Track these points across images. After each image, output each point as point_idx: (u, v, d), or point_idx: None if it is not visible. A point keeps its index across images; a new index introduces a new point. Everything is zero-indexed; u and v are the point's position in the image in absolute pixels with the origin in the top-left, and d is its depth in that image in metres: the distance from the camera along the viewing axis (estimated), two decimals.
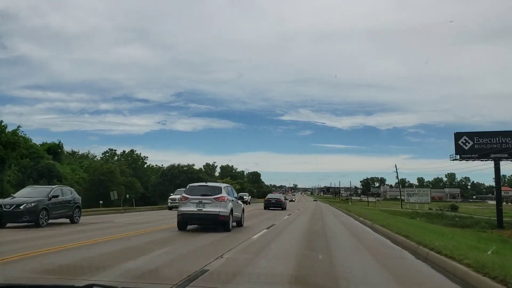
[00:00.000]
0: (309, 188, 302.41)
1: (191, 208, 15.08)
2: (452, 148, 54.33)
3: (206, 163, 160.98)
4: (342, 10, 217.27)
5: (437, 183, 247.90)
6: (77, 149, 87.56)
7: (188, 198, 15.32)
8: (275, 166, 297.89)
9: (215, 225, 15.49)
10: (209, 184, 17.15)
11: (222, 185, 16.88)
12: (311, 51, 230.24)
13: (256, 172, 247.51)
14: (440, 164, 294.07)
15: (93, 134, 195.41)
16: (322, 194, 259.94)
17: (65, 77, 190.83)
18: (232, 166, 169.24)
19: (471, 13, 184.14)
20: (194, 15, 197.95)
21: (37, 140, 55.50)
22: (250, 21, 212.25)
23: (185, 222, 15.58)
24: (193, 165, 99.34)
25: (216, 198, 15.15)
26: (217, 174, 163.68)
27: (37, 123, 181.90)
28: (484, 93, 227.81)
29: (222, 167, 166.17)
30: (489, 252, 9.26)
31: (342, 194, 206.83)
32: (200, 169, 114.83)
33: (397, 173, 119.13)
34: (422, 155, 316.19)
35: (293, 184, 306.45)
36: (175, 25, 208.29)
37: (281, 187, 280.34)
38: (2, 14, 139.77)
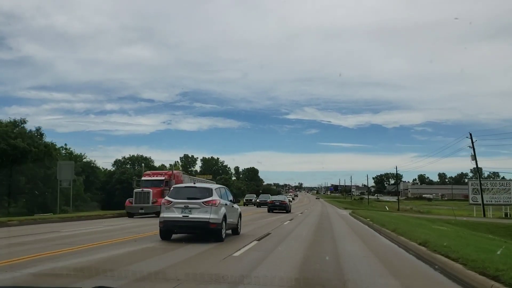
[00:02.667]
0: (315, 187, 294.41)
1: (175, 214, 12.73)
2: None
3: (184, 154, 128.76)
4: (347, 8, 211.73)
5: (459, 180, 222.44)
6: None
7: (171, 202, 12.93)
8: (280, 165, 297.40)
9: (205, 234, 12.95)
10: (197, 185, 14.74)
11: (214, 186, 14.71)
12: (317, 50, 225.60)
13: (253, 168, 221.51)
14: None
15: (99, 134, 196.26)
16: (329, 193, 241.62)
17: (70, 78, 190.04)
18: (218, 158, 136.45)
19: (478, 10, 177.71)
20: (199, 14, 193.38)
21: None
22: (255, 20, 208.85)
23: (168, 231, 13.14)
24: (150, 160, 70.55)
25: (205, 202, 12.76)
26: (197, 168, 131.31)
27: (42, 124, 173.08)
28: (491, 91, 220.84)
29: (204, 160, 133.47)
30: None
31: (353, 193, 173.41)
32: (162, 165, 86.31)
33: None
34: (429, 153, 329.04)
35: (299, 183, 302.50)
36: (180, 25, 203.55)
37: (285, 186, 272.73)
38: (7, 15, 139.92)
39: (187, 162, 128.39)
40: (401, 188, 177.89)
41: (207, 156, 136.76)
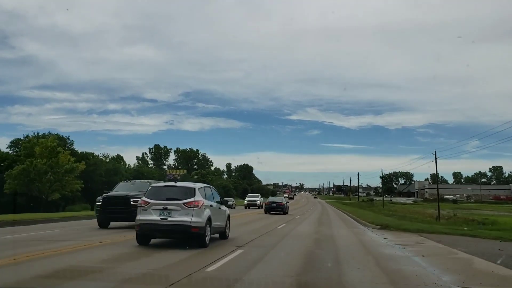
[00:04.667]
0: (316, 188, 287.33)
1: (152, 217, 11.47)
2: None
3: (155, 145, 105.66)
4: (351, 9, 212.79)
5: (475, 180, 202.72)
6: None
7: (149, 203, 11.62)
8: (282, 166, 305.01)
9: (186, 239, 11.72)
10: (178, 184, 12.73)
11: (197, 185, 12.68)
12: (320, 51, 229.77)
13: (247, 165, 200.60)
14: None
15: (101, 134, 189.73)
16: (331, 193, 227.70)
17: (73, 77, 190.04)
18: (198, 150, 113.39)
19: (482, 12, 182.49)
20: (202, 14, 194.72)
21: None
22: (258, 21, 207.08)
23: (145, 235, 11.92)
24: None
25: (187, 203, 11.48)
26: (171, 161, 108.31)
27: (45, 124, 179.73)
28: (495, 92, 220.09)
29: (180, 152, 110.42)
30: None
31: (360, 194, 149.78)
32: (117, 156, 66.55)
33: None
34: (432, 156, 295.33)
35: (300, 184, 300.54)
36: (183, 25, 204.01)
37: (285, 186, 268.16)
38: (10, 14, 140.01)
39: (159, 154, 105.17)
40: (416, 188, 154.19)
41: (184, 147, 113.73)
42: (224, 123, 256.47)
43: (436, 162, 49.23)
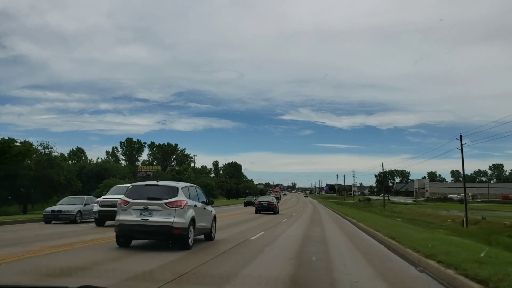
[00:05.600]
0: (309, 188, 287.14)
1: (132, 217, 10.84)
2: None
3: (127, 139, 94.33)
4: (344, 9, 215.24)
5: (474, 179, 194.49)
6: None
7: (129, 202, 11.02)
8: (275, 166, 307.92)
9: (168, 240, 11.15)
10: (160, 183, 11.88)
11: (180, 184, 12.10)
12: (312, 51, 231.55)
13: (235, 163, 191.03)
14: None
15: (93, 134, 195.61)
16: (323, 193, 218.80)
17: (64, 77, 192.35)
18: (177, 145, 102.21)
19: (474, 12, 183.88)
20: (195, 14, 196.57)
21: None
22: (251, 21, 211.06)
23: (125, 236, 11.21)
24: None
25: (169, 203, 10.88)
26: (145, 157, 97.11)
27: (36, 123, 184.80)
28: (486, 93, 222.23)
29: (156, 147, 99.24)
30: None
31: (355, 193, 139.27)
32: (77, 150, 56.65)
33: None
34: (423, 155, 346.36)
35: (292, 183, 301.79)
36: (176, 25, 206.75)
37: (277, 185, 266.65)
38: (1, 13, 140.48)
39: (131, 149, 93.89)
40: (415, 187, 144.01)
41: (160, 141, 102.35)
42: (217, 123, 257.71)
43: (462, 149, 38.40)
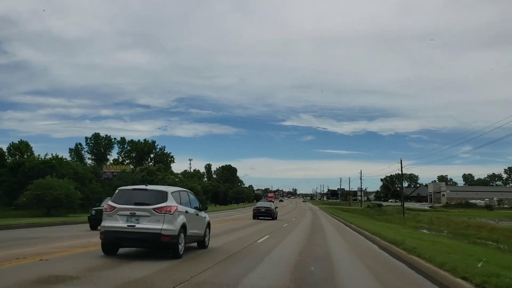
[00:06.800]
0: (309, 194, 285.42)
1: (118, 224, 10.08)
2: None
3: (94, 134, 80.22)
4: (345, 15, 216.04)
5: (489, 182, 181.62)
6: None
7: (115, 208, 10.24)
8: (276, 172, 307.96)
9: (156, 248, 10.49)
10: (149, 187, 11.14)
11: (170, 189, 11.23)
12: (314, 57, 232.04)
13: (230, 166, 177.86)
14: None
15: None
16: (325, 198, 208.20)
17: (66, 83, 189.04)
18: (155, 142, 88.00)
19: (475, 18, 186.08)
20: (196, 20, 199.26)
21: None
22: (252, 26, 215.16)
23: (111, 244, 10.48)
24: None
25: (157, 208, 10.10)
26: (114, 155, 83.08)
27: (38, 129, 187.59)
28: (487, 99, 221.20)
29: (130, 143, 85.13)
30: None
31: (359, 198, 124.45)
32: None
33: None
34: (424, 161, 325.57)
35: (293, 189, 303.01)
36: (177, 30, 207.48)
37: (276, 191, 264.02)
38: (2, 19, 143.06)
39: (99, 145, 79.65)
40: (429, 191, 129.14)
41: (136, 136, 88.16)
42: (218, 129, 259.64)
43: None
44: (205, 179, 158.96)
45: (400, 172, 65.94)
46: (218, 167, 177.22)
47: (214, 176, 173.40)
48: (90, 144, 80.00)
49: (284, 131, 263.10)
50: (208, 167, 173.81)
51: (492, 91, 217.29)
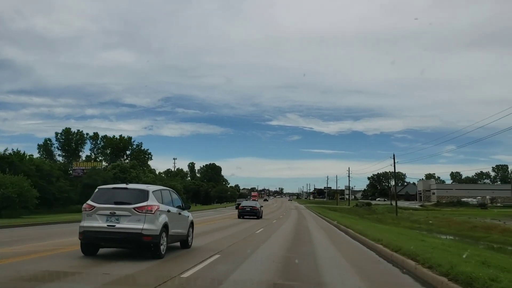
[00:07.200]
0: (295, 193, 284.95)
1: (98, 223, 9.84)
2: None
3: (64, 129, 74.77)
4: (332, 15, 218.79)
5: (477, 180, 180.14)
6: None
7: (94, 207, 10.02)
8: (262, 171, 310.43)
9: (137, 248, 10.25)
10: (129, 186, 10.90)
11: (151, 187, 11.06)
12: (300, 57, 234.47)
13: (214, 165, 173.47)
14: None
15: None
16: (312, 197, 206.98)
17: (50, 82, 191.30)
18: (131, 138, 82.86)
19: (460, 19, 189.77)
20: (182, 19, 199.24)
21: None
22: (239, 26, 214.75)
23: (91, 244, 10.21)
24: None
25: (138, 208, 9.83)
26: (87, 152, 77.93)
27: (22, 129, 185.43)
28: (471, 99, 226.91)
29: (103, 139, 79.91)
30: None
31: (346, 197, 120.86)
32: None
33: None
34: (409, 160, 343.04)
35: (279, 188, 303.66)
36: (163, 30, 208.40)
37: (262, 190, 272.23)
38: None
39: (70, 141, 74.22)
40: (419, 189, 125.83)
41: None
42: (204, 129, 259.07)
43: None
44: (189, 178, 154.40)
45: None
46: (201, 166, 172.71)
47: (198, 175, 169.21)
48: (61, 140, 74.54)
49: (271, 130, 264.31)
50: (191, 165, 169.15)
51: (476, 91, 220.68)
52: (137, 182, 60.98)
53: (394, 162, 54.56)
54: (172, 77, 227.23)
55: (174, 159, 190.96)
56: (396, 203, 54.23)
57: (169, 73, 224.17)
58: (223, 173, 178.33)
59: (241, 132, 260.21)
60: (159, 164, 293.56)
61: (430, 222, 33.85)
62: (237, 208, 46.96)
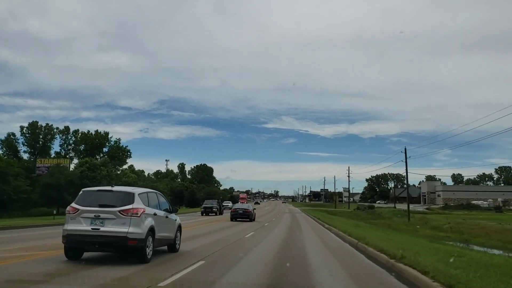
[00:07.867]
0: (290, 196, 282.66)
1: (82, 227, 9.55)
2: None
3: (31, 122, 66.77)
4: (326, 18, 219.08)
5: (479, 182, 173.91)
6: None
7: (78, 210, 9.71)
8: (258, 174, 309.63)
9: (122, 253, 9.91)
10: (115, 189, 10.46)
11: (138, 190, 10.71)
12: (296, 60, 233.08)
13: (205, 165, 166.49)
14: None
15: None
16: (307, 200, 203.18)
17: (45, 84, 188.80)
18: (108, 134, 74.90)
19: (455, 23, 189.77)
20: (177, 22, 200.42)
21: None
22: (234, 29, 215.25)
23: (74, 248, 9.88)
24: None
25: (123, 211, 9.57)
26: (59, 148, 70.01)
27: (16, 131, 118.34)
28: (465, 102, 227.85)
29: (76, 134, 72.00)
30: None
31: (345, 200, 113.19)
32: None
33: None
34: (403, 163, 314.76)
35: (275, 191, 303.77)
36: (158, 32, 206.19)
37: (257, 193, 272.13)
38: None
39: (37, 136, 66.24)
40: (423, 191, 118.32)
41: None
42: (200, 132, 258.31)
43: None
44: (179, 179, 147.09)
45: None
46: (192, 167, 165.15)
47: (189, 176, 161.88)
48: (26, 135, 66.53)
49: (266, 133, 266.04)
50: (181, 166, 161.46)
51: (470, 95, 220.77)
52: (109, 182, 53.71)
53: (406, 157, 47.00)
54: (167, 80, 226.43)
55: (166, 160, 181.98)
56: (408, 207, 46.19)
57: (164, 76, 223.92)
58: (217, 175, 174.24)
59: (237, 135, 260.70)
60: (153, 166, 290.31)
61: (462, 230, 26.23)
62: (202, 214, 46.72)
